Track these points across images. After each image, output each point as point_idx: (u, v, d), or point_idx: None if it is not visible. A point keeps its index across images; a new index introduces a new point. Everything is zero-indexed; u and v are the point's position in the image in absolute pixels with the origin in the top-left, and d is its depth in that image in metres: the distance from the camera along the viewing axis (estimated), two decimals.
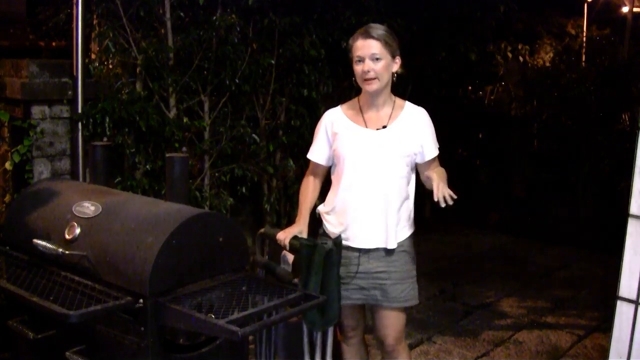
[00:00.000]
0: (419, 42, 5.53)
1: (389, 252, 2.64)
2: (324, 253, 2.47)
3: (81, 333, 2.31)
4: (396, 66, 2.62)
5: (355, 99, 2.72)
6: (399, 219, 2.64)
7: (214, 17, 4.22)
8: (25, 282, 2.25)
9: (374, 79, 2.55)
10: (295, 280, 2.51)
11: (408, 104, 2.70)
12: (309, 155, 2.78)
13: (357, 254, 2.63)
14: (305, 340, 2.62)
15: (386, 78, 2.58)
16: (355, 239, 2.63)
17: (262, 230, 2.82)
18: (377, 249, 2.63)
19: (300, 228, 2.65)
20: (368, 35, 2.54)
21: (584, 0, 9.51)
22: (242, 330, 1.92)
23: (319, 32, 4.63)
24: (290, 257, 2.69)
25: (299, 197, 2.79)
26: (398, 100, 2.69)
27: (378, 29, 2.56)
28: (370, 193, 2.60)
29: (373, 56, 2.53)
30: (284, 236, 2.62)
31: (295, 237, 2.61)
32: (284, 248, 2.64)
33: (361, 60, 2.55)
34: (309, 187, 2.78)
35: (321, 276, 2.47)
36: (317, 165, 2.77)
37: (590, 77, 7.06)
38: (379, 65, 2.54)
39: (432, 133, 2.69)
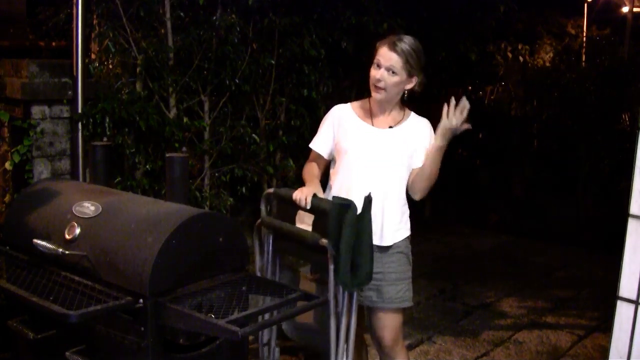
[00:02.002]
0: (419, 42, 5.52)
1: (384, 252, 2.64)
2: (357, 212, 2.40)
3: (81, 333, 2.31)
4: (410, 85, 2.63)
5: (367, 99, 2.74)
6: (393, 218, 2.65)
7: (214, 17, 4.22)
8: (25, 282, 2.25)
9: (382, 89, 2.58)
10: (323, 241, 2.39)
11: (413, 114, 2.74)
12: (312, 144, 2.78)
13: None
14: (332, 322, 2.51)
15: (394, 92, 2.61)
16: None
17: (271, 190, 2.72)
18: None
19: (315, 188, 2.60)
20: (394, 47, 2.56)
21: (584, 0, 9.52)
22: (242, 330, 1.92)
23: (319, 32, 4.63)
24: (309, 218, 2.56)
25: (304, 175, 2.75)
26: (407, 110, 2.74)
27: (406, 44, 2.58)
28: (368, 189, 2.59)
29: (390, 68, 2.56)
30: (303, 196, 2.52)
31: (314, 197, 2.53)
32: (302, 208, 2.53)
33: (379, 66, 2.58)
34: (313, 165, 2.77)
35: (354, 236, 2.39)
36: (318, 155, 2.77)
37: (590, 77, 7.06)
38: (391, 79, 2.57)
39: (431, 145, 2.68)
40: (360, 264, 2.42)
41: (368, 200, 2.43)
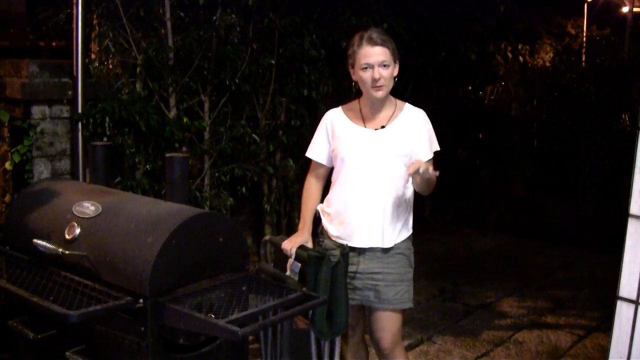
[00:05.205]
0: (419, 42, 5.53)
1: (385, 253, 2.64)
2: (332, 265, 2.46)
3: (81, 333, 2.31)
4: (396, 71, 2.63)
5: (356, 101, 2.72)
6: (395, 219, 2.63)
7: (214, 17, 4.22)
8: (25, 282, 2.25)
9: (383, 85, 2.56)
10: (303, 290, 2.47)
11: (408, 105, 2.71)
12: (308, 154, 2.78)
13: (355, 253, 2.63)
14: (313, 348, 2.59)
15: (391, 84, 2.61)
16: (352, 237, 2.63)
17: (267, 237, 2.82)
18: (372, 249, 2.63)
19: (305, 237, 2.66)
20: (375, 42, 2.54)
21: (584, 0, 9.52)
22: (242, 330, 1.92)
23: (319, 32, 4.63)
24: (298, 265, 2.67)
25: (302, 202, 2.78)
26: (398, 102, 2.70)
27: (382, 35, 2.57)
28: (367, 192, 2.60)
29: (382, 63, 2.54)
30: (289, 246, 2.62)
31: (301, 247, 2.61)
32: (290, 257, 2.63)
33: (370, 67, 2.54)
34: (311, 190, 2.77)
35: (329, 286, 2.45)
36: (317, 165, 2.76)
37: (590, 77, 7.06)
38: (386, 72, 2.55)
39: (429, 136, 2.68)
40: (336, 313, 2.48)
41: (345, 253, 2.51)
